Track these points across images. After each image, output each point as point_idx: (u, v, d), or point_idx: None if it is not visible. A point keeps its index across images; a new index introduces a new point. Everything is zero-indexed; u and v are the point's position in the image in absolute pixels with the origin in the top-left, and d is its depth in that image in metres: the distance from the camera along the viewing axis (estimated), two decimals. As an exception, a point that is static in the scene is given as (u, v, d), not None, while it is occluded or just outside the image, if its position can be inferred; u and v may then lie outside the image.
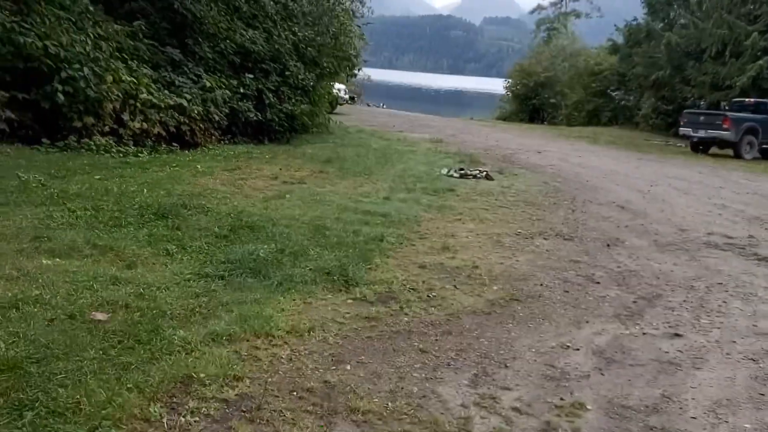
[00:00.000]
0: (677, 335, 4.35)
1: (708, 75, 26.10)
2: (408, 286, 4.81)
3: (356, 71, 20.20)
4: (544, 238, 6.94)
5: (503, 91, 44.51)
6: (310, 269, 4.88)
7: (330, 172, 10.07)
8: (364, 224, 6.56)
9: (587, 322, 4.45)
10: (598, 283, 5.43)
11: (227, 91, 12.47)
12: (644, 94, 31.61)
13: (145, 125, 10.83)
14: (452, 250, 6.01)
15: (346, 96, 29.30)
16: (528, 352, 3.83)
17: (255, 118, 13.10)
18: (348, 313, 4.16)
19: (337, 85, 28.73)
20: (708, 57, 26.22)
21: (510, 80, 42.44)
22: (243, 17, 13.86)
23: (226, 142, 12.72)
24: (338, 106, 28.23)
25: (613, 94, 34.90)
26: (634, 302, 5.00)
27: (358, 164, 11.20)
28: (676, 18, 31.36)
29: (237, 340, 3.51)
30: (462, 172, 11.06)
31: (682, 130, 21.84)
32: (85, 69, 9.80)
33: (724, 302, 5.24)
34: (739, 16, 25.78)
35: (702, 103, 27.45)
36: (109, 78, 10.24)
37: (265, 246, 5.34)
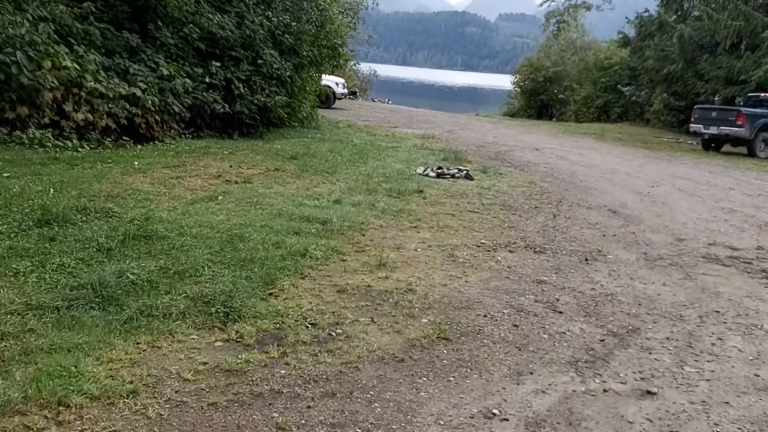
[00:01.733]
0: (650, 393, 3.27)
1: (722, 69, 24.75)
2: (308, 319, 3.75)
3: (342, 62, 18.98)
4: (510, 251, 5.85)
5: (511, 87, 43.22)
6: (186, 297, 3.84)
7: (288, 169, 9.03)
8: (293, 234, 5.51)
9: (531, 373, 3.37)
10: (561, 312, 4.34)
11: (189, 81, 11.45)
12: (655, 90, 30.27)
13: (90, 117, 9.83)
14: (389, 267, 4.95)
15: (345, 90, 28.16)
16: (433, 425, 2.77)
17: (222, 110, 12.06)
18: (205, 363, 3.12)
19: (334, 78, 27.70)
20: (722, 50, 24.88)
21: (518, 75, 41.12)
22: (212, 0, 12.83)
23: (189, 136, 11.71)
24: (336, 100, 27.21)
25: (624, 89, 33.55)
26: (602, 341, 3.91)
27: (326, 161, 10.15)
28: (690, 10, 29.98)
29: (11, 413, 2.48)
30: (440, 171, 9.97)
31: (693, 126, 20.59)
32: (18, 53, 8.84)
33: (720, 339, 4.14)
34: (756, 7, 24.40)
35: (716, 98, 26.15)
36: (48, 64, 9.27)
37: (149, 263, 4.31)
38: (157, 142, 10.71)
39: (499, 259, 5.55)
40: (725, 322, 4.48)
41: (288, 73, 13.71)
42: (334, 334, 3.59)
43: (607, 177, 11.80)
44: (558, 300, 4.56)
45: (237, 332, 3.47)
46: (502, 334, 3.83)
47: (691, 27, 26.50)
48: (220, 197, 6.76)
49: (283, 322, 3.67)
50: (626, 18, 32.59)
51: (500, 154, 14.37)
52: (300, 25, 14.22)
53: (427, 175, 9.84)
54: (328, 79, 27.21)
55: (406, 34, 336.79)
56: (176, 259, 4.48)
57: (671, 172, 13.57)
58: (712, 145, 20.57)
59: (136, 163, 8.35)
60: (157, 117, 10.86)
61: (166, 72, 11.00)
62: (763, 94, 20.82)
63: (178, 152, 9.79)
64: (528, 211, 7.83)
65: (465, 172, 10.06)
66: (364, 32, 45.52)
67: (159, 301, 3.69)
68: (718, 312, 4.65)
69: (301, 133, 14.40)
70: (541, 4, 44.79)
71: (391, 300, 4.23)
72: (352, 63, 45.61)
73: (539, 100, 39.67)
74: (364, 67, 49.10)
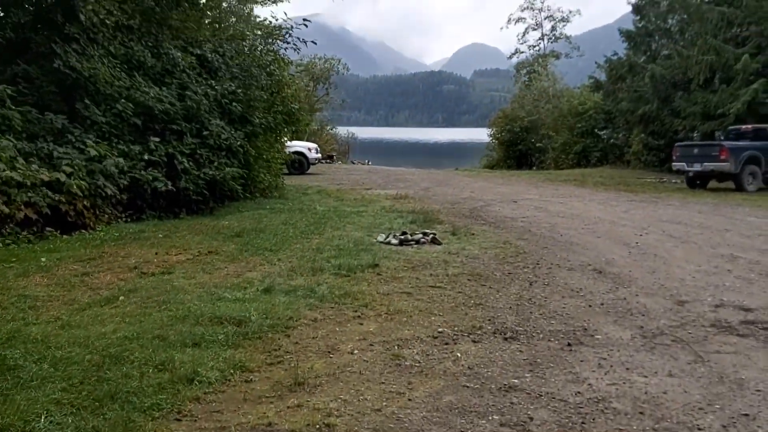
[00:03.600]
0: None
1: (698, 104, 24.17)
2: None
3: (303, 127, 18.14)
4: (474, 340, 4.65)
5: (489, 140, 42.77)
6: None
7: (225, 251, 7.87)
8: (191, 346, 4.30)
9: None
10: (535, 441, 3.13)
11: (123, 160, 10.40)
12: (633, 131, 29.68)
13: (5, 209, 8.71)
14: (309, 386, 3.73)
15: (318, 155, 27.33)
16: None
17: (164, 187, 10.98)
18: None
19: (307, 144, 26.95)
20: (696, 86, 24.36)
21: (494, 128, 40.72)
22: (149, 74, 11.94)
23: (127, 219, 10.60)
24: (310, 165, 26.35)
25: (601, 133, 33.01)
26: (595, 491, 2.70)
27: (275, 236, 9.02)
28: (659, 49, 29.85)
29: None
30: (403, 237, 8.85)
31: (676, 164, 19.81)
32: None
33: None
34: (726, 40, 24.07)
35: (695, 134, 25.51)
36: (-50, 154, 8.22)
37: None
38: (88, 230, 9.59)
39: (459, 355, 4.35)
40: (760, 429, 3.29)
41: (239, 143, 12.73)
42: None
43: (590, 228, 10.72)
44: (532, 419, 3.34)
45: None
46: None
47: (661, 66, 26.12)
48: (121, 298, 5.56)
49: None
50: (596, 63, 32.41)
51: (475, 210, 13.31)
52: (250, 92, 13.35)
53: (388, 243, 8.71)
54: (301, 145, 26.46)
55: (386, 96, 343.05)
56: (7, 406, 3.26)
57: (659, 216, 12.52)
58: (698, 182, 19.74)
59: (43, 258, 7.17)
60: (86, 203, 9.75)
61: (94, 152, 9.95)
62: (743, 126, 20.14)
63: (104, 240, 8.65)
64: (500, 280, 6.67)
65: (431, 236, 8.94)
66: (337, 97, 45.56)
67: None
68: (747, 416, 3.46)
69: (259, 204, 13.32)
70: (509, 57, 45.03)
71: (293, 448, 3.01)
72: (328, 128, 45.46)
73: (517, 150, 39.15)
74: (342, 131, 48.84)
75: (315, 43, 16.07)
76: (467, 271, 7.06)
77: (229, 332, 4.59)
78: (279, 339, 4.57)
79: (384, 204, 14.01)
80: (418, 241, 8.73)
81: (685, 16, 27.93)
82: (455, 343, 4.57)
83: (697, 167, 18.91)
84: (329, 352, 4.35)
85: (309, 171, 26.15)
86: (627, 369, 4.14)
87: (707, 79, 23.95)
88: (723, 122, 22.79)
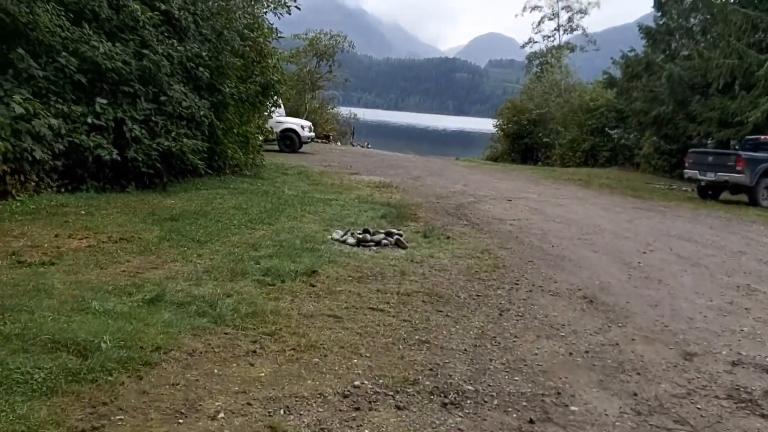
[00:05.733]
0: None
1: (715, 110, 22.65)
2: None
3: (280, 101, 16.67)
4: (399, 406, 3.32)
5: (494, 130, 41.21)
6: None
7: (142, 238, 6.53)
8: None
9: None
10: None
11: (56, 121, 9.03)
12: (645, 132, 28.14)
13: None
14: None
15: (311, 134, 25.88)
16: None
17: (109, 156, 9.63)
18: None
19: (299, 121, 25.56)
20: (715, 90, 22.83)
21: (500, 118, 39.14)
22: (104, 27, 10.51)
23: (60, 189, 9.27)
24: (302, 144, 24.94)
25: (611, 132, 31.47)
26: None
27: (216, 223, 7.69)
28: (678, 49, 28.21)
29: None
30: (362, 236, 7.49)
31: (688, 172, 18.38)
32: None
33: None
34: (750, 44, 22.47)
35: (709, 141, 24.03)
36: None
37: None
38: (8, 198, 8.28)
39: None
40: None
41: (202, 112, 11.32)
42: None
43: (587, 238, 9.36)
44: None
45: None
46: None
47: (680, 66, 24.56)
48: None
49: None
50: (611, 58, 30.79)
51: (461, 207, 11.94)
52: (222, 58, 11.91)
53: (344, 242, 7.37)
54: (293, 122, 25.08)
55: (398, 79, 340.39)
56: None
57: (666, 229, 11.15)
58: (709, 192, 18.32)
59: None
60: (6, 167, 8.40)
61: (21, 110, 8.57)
62: (762, 137, 18.66)
63: (12, 213, 7.32)
64: (463, 305, 5.32)
65: (396, 237, 7.58)
66: (341, 75, 43.90)
67: None
68: None
69: (223, 183, 11.95)
70: (522, 46, 43.31)
71: None
72: (330, 107, 43.85)
73: (523, 144, 37.64)
74: (344, 111, 47.26)
75: (299, 9, 14.56)
76: (425, 288, 5.71)
77: (59, 366, 3.27)
78: (123, 384, 3.24)
79: (361, 192, 12.66)
80: (378, 243, 7.38)
81: (709, 16, 26.29)
82: (370, 410, 3.24)
83: (710, 176, 17.51)
84: (183, 413, 3.02)
85: (301, 150, 24.76)
86: (607, 476, 2.81)
87: (727, 83, 22.40)
88: (740, 131, 21.31)
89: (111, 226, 7.03)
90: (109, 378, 3.26)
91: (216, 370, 3.53)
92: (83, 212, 7.74)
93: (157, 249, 6.15)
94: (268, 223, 8.15)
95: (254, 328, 4.19)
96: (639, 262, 7.93)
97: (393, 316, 4.80)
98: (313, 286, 5.39)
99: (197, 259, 5.92)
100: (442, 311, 5.08)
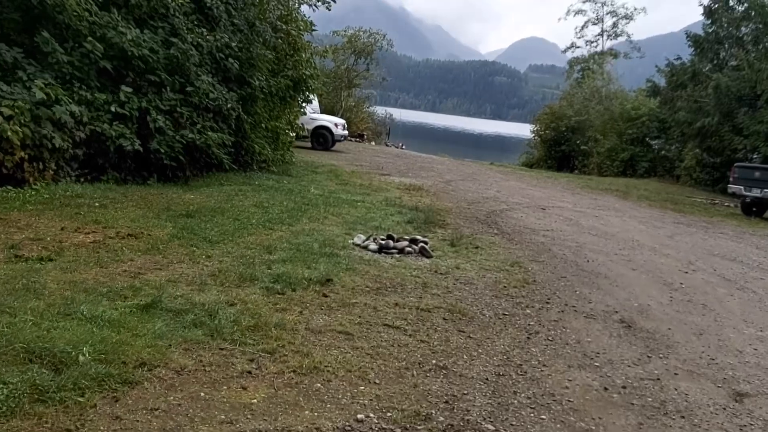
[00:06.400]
0: None
1: (764, 124, 21.62)
2: None
3: (311, 97, 16.31)
4: (405, 449, 2.89)
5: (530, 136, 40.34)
6: None
7: (152, 235, 6.21)
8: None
9: None
10: None
11: (78, 108, 8.80)
12: (687, 144, 27.10)
13: None
14: None
15: (345, 132, 25.54)
16: None
17: (131, 147, 9.38)
18: None
19: (333, 119, 25.26)
20: (764, 102, 21.82)
21: (538, 124, 38.29)
22: (134, 14, 10.28)
23: (80, 179, 9.05)
24: (335, 142, 24.63)
25: (652, 142, 30.44)
26: None
27: (233, 222, 7.35)
28: (727, 58, 27.09)
29: None
30: (384, 242, 7.06)
31: (732, 187, 17.52)
32: None
33: None
34: (804, 56, 21.45)
35: (755, 156, 22.98)
36: None
37: None
38: (24, 187, 8.07)
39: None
40: None
41: (230, 105, 11.02)
42: None
43: (625, 254, 8.79)
44: None
45: None
46: None
47: (728, 77, 23.54)
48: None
49: None
50: (656, 66, 29.79)
51: (493, 214, 11.43)
52: (253, 49, 11.60)
53: (365, 248, 6.95)
54: (327, 119, 24.78)
55: (437, 81, 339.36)
56: None
57: (709, 248, 10.48)
58: (754, 209, 17.43)
59: None
60: (24, 153, 8.19)
61: (41, 95, 8.36)
62: (814, 155, 17.73)
63: (25, 202, 7.09)
64: (487, 325, 4.85)
65: (421, 245, 7.13)
66: (378, 74, 43.52)
67: None
68: None
69: (248, 179, 11.64)
70: (564, 51, 42.34)
71: None
72: (366, 105, 43.49)
73: (560, 151, 36.72)
74: (380, 110, 46.85)
75: (335, 1, 14.19)
76: (448, 303, 5.25)
77: (27, 382, 2.91)
78: (95, 407, 2.87)
79: (390, 195, 12.23)
80: (402, 250, 6.94)
81: (761, 26, 25.20)
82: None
83: (756, 193, 16.67)
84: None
85: (334, 148, 24.45)
86: None
87: (778, 97, 21.43)
88: (790, 146, 20.35)
89: (122, 220, 6.73)
90: (80, 399, 2.89)
91: (203, 394, 3.14)
92: (97, 204, 7.47)
93: (165, 247, 5.81)
94: (288, 223, 7.77)
95: (253, 345, 3.79)
96: (681, 283, 7.35)
97: (409, 335, 4.36)
98: (326, 296, 4.98)
99: (205, 260, 5.56)
100: (464, 331, 4.62)
